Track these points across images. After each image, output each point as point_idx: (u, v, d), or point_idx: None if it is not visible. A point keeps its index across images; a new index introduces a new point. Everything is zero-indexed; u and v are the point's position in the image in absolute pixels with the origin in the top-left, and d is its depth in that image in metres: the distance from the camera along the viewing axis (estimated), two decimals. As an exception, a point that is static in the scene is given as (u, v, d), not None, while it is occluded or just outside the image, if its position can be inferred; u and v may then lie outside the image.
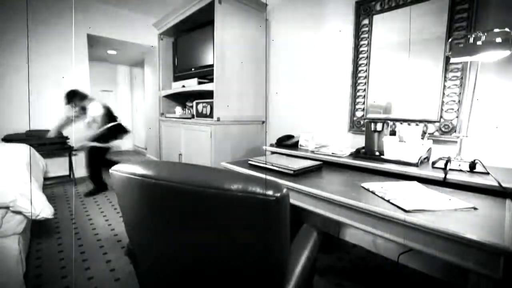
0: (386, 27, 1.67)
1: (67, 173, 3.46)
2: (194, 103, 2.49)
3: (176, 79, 2.77)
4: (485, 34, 1.11)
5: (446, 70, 1.43)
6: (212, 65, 2.14)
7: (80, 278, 1.49)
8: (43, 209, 1.30)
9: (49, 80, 3.29)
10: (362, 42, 1.79)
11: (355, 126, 1.87)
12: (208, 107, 2.33)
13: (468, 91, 1.26)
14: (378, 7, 1.70)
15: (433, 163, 1.27)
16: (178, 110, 2.77)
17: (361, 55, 1.80)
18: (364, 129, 1.69)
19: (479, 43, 1.10)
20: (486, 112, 1.34)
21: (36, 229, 1.99)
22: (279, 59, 2.43)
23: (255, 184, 0.51)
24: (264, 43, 2.44)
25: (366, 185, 1.12)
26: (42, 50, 3.22)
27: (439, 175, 1.12)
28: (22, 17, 3.05)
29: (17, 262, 1.28)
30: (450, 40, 1.36)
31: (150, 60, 4.59)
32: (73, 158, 3.41)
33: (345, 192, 1.05)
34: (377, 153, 1.45)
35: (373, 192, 1.03)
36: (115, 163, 0.78)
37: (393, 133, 1.52)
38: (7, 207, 1.23)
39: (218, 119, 2.12)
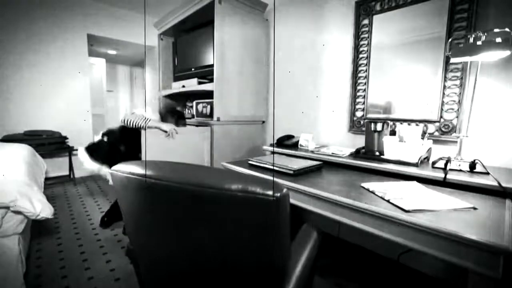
0: (386, 27, 1.67)
1: (67, 173, 3.46)
2: (194, 103, 2.49)
3: (176, 79, 2.77)
4: (485, 34, 1.11)
5: (446, 70, 1.43)
6: (212, 65, 2.14)
7: (80, 278, 1.49)
8: (43, 209, 1.29)
9: (48, 80, 3.29)
10: (362, 42, 1.79)
11: (355, 126, 1.87)
12: (208, 107, 2.33)
13: (468, 91, 1.27)
14: (378, 7, 1.70)
15: (433, 163, 1.27)
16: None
17: (361, 55, 1.80)
18: (364, 129, 1.69)
19: (479, 43, 1.10)
20: (486, 112, 1.34)
21: (36, 229, 1.99)
22: (279, 58, 2.43)
23: (255, 184, 0.51)
24: (264, 43, 2.44)
25: (366, 185, 1.12)
26: (42, 50, 3.22)
27: (439, 175, 1.12)
28: (22, 17, 3.05)
29: (17, 262, 1.27)
30: (450, 40, 1.36)
31: (150, 60, 4.59)
32: (73, 158, 3.41)
33: (345, 192, 1.05)
34: (377, 153, 1.45)
35: (373, 192, 1.03)
36: None
37: (393, 133, 1.52)
38: (7, 207, 1.23)
39: (218, 119, 2.12)
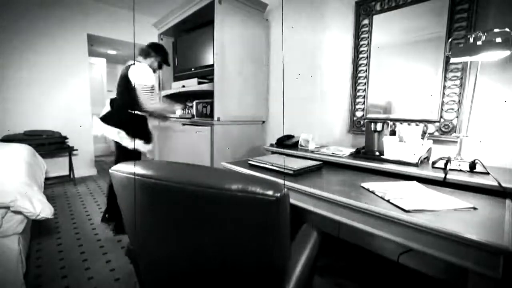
0: (386, 27, 1.67)
1: (67, 173, 3.47)
2: (194, 103, 2.49)
3: (176, 79, 2.77)
4: (485, 34, 1.11)
5: (446, 70, 1.43)
6: (212, 65, 2.14)
7: (80, 278, 1.49)
8: (43, 209, 1.29)
9: (48, 80, 3.29)
10: (362, 42, 1.79)
11: (355, 126, 1.87)
12: (208, 107, 2.33)
13: (468, 91, 1.26)
14: (378, 7, 1.70)
15: (433, 163, 1.27)
16: (178, 110, 2.77)
17: (361, 55, 1.80)
18: (364, 129, 1.69)
19: (479, 43, 1.10)
20: (486, 112, 1.34)
21: (36, 229, 1.99)
22: (279, 59, 2.43)
23: (255, 184, 0.51)
24: (264, 43, 2.44)
25: (366, 185, 1.12)
26: (42, 50, 3.21)
27: (439, 175, 1.12)
28: (22, 17, 3.04)
29: (17, 262, 1.28)
30: (450, 40, 1.36)
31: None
32: (73, 158, 3.41)
33: (345, 192, 1.05)
34: (377, 153, 1.45)
35: (373, 192, 1.03)
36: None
37: (393, 133, 1.51)
38: (7, 207, 1.23)
39: (218, 119, 2.12)
